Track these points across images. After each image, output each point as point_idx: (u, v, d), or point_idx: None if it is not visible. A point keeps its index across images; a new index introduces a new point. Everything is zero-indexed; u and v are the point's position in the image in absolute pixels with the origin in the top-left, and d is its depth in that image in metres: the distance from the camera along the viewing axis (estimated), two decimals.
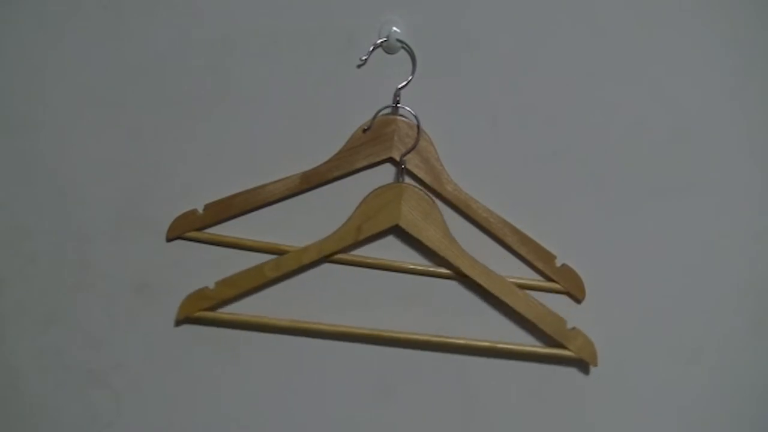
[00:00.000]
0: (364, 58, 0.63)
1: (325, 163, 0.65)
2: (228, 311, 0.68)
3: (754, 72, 0.66)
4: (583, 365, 0.71)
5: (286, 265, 0.66)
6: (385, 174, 0.66)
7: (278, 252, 0.66)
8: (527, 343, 0.69)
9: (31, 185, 0.66)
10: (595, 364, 0.68)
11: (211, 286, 0.66)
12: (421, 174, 0.65)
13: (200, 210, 0.66)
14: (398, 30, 0.63)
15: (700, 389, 0.73)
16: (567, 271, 0.68)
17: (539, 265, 0.68)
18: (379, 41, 0.63)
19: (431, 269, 0.68)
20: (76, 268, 0.68)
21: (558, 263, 0.68)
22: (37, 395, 0.71)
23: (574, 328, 0.68)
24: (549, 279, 0.68)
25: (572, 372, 0.71)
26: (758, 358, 0.72)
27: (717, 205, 0.69)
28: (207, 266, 0.67)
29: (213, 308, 0.67)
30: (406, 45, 0.63)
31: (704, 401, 0.73)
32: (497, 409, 0.72)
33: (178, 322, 0.68)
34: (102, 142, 0.65)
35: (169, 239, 0.67)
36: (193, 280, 0.67)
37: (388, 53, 0.63)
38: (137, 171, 0.66)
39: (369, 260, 0.67)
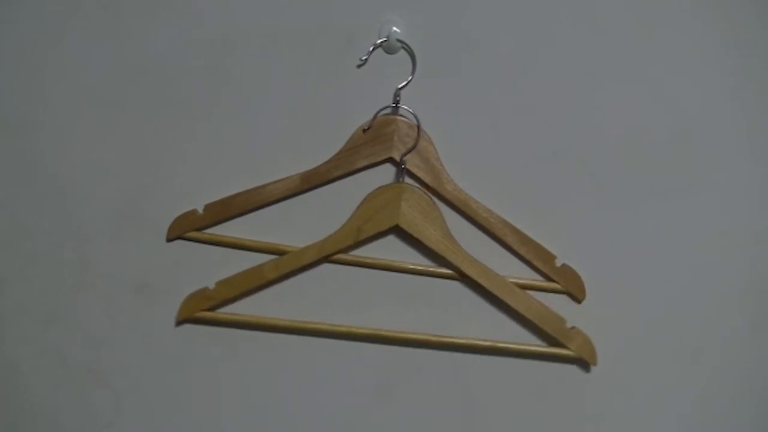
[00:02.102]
0: (364, 58, 0.63)
1: (325, 163, 0.65)
2: (228, 311, 0.68)
3: (754, 72, 0.66)
4: (583, 365, 0.71)
5: (285, 266, 0.66)
6: (385, 174, 0.66)
7: (278, 252, 0.66)
8: (528, 342, 0.69)
9: (31, 185, 0.66)
10: (595, 363, 0.68)
11: (211, 286, 0.66)
12: (421, 174, 0.65)
13: (200, 210, 0.66)
14: (398, 30, 0.63)
15: (700, 390, 0.73)
16: (567, 271, 0.68)
17: (539, 265, 0.68)
18: (379, 41, 0.63)
19: (431, 269, 0.68)
20: (76, 268, 0.68)
21: (558, 263, 0.68)
22: (37, 395, 0.70)
23: (573, 328, 0.68)
24: (549, 279, 0.68)
25: (572, 372, 0.71)
26: (758, 359, 0.72)
27: (717, 205, 0.69)
28: (207, 266, 0.67)
29: (213, 308, 0.67)
30: (406, 45, 0.63)
31: (704, 401, 0.73)
32: (496, 408, 0.72)
33: (179, 322, 0.68)
34: (102, 142, 0.65)
35: (169, 239, 0.67)
36: (193, 280, 0.67)
37: (388, 53, 0.63)
38: (137, 171, 0.66)
39: (369, 260, 0.67)
